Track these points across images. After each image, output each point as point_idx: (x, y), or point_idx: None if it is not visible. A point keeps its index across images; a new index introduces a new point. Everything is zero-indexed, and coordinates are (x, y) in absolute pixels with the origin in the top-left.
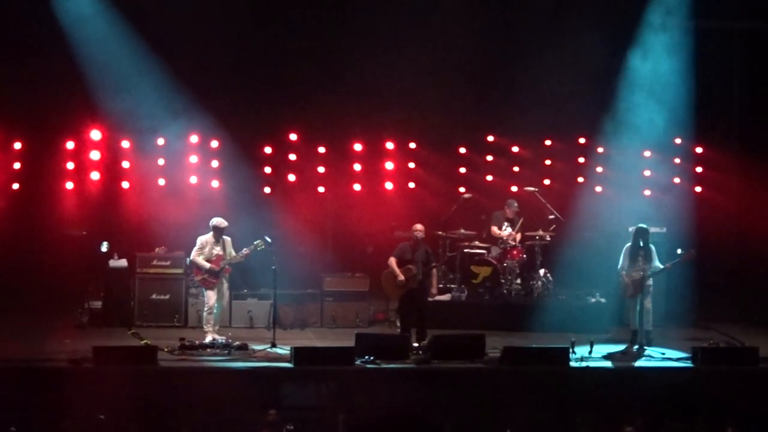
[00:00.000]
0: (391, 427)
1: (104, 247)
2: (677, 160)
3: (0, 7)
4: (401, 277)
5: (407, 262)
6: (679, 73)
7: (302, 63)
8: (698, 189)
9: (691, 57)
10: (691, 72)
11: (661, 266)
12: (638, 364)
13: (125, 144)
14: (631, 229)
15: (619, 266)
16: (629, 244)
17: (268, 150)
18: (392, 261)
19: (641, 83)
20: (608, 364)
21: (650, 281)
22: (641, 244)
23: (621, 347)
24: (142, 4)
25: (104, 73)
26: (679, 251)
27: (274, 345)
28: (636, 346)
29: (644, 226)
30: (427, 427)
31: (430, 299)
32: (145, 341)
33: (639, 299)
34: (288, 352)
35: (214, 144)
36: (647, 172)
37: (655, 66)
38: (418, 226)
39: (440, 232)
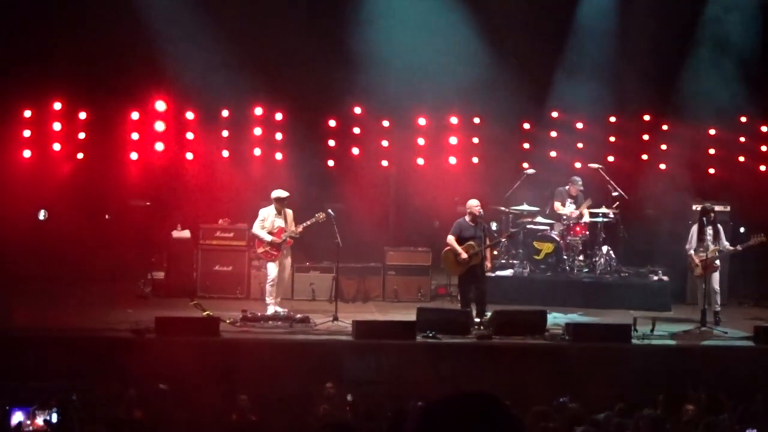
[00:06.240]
0: (465, 406)
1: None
2: (742, 139)
3: None
4: (464, 255)
5: (468, 239)
6: (746, 51)
7: (367, 36)
8: (763, 168)
9: (756, 34)
10: (757, 49)
11: (731, 247)
12: (699, 342)
13: (190, 115)
14: (696, 207)
15: (687, 245)
16: (697, 223)
17: (332, 123)
18: (452, 239)
19: (706, 61)
20: (670, 342)
21: (718, 261)
22: (708, 223)
23: (683, 326)
24: None
25: (170, 44)
26: (742, 230)
27: (335, 318)
28: (702, 326)
29: (710, 204)
30: (502, 410)
31: (488, 274)
32: (207, 312)
33: (706, 279)
34: (349, 325)
35: (279, 116)
36: (712, 150)
37: (720, 44)
38: (475, 202)
39: (503, 208)
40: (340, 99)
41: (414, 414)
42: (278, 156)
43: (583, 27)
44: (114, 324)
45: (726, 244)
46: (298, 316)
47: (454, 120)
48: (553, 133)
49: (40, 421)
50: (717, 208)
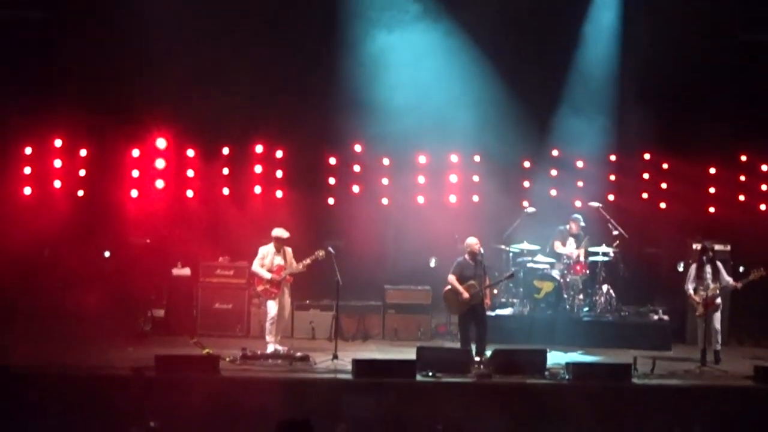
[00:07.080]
0: None
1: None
2: (742, 177)
3: (70, 13)
4: (466, 295)
5: (468, 278)
6: (745, 89)
7: (368, 75)
8: (763, 207)
9: (755, 73)
10: (756, 87)
11: (733, 283)
12: (700, 382)
13: (190, 153)
14: (696, 246)
15: (686, 285)
16: (696, 262)
17: (332, 161)
18: (453, 279)
19: (705, 97)
20: (670, 381)
21: (719, 300)
22: (707, 261)
23: (683, 365)
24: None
25: (171, 82)
26: (741, 269)
27: (335, 356)
28: (702, 365)
29: (709, 243)
30: None
31: (488, 313)
32: (207, 350)
33: (707, 318)
34: (349, 364)
35: (279, 154)
36: (712, 189)
37: (720, 82)
38: (475, 240)
39: (503, 247)
40: (341, 136)
41: None
42: (279, 193)
43: (584, 66)
44: (114, 362)
45: (729, 279)
46: (298, 354)
47: (454, 158)
48: (554, 172)
49: None
50: (717, 247)
